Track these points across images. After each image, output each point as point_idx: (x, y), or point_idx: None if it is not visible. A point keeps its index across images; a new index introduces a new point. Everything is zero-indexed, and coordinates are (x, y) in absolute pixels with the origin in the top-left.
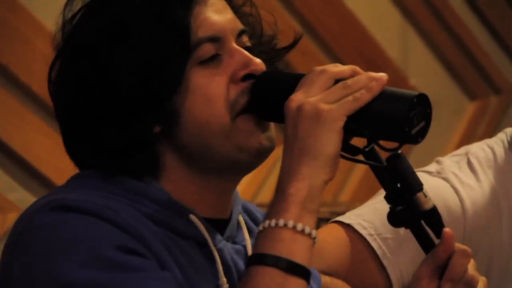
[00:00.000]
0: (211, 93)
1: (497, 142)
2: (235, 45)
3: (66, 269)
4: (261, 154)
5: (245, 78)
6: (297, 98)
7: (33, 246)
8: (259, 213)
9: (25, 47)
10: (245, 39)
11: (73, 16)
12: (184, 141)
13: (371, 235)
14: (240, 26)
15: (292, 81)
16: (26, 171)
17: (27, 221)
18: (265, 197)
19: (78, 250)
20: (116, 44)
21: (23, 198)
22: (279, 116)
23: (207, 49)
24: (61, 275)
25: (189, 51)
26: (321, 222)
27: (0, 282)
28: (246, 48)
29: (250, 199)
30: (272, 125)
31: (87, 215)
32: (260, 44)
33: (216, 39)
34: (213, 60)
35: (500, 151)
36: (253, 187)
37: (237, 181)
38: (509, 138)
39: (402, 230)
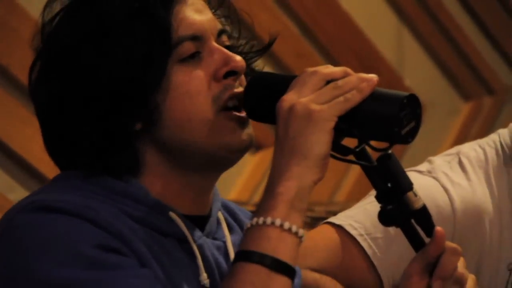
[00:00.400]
0: (192, 89)
1: (489, 143)
2: (215, 44)
3: (45, 268)
4: (241, 150)
5: (226, 75)
6: (289, 98)
7: (13, 246)
8: (239, 210)
9: (24, 49)
10: (224, 38)
11: (53, 18)
12: (165, 138)
13: (361, 235)
14: (219, 26)
15: (284, 82)
16: (25, 171)
17: (9, 222)
18: None
19: (57, 250)
20: (97, 43)
21: (22, 197)
22: (271, 116)
23: (188, 47)
24: (41, 273)
25: (169, 49)
26: (317, 221)
27: None
28: (226, 47)
29: (246, 200)
30: (251, 122)
31: (68, 215)
32: (238, 45)
33: (196, 38)
34: (193, 57)
35: (491, 152)
36: (250, 188)
37: (216, 177)
38: (501, 140)
39: (392, 230)
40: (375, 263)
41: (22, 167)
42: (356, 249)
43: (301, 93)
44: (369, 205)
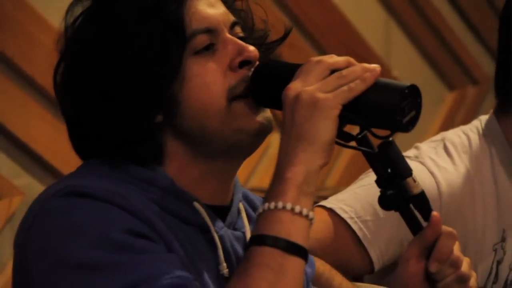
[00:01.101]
0: (207, 79)
1: (472, 129)
2: (228, 35)
3: (77, 250)
4: (260, 134)
5: (241, 65)
6: (295, 86)
7: (47, 229)
8: (258, 200)
9: (28, 41)
10: (237, 30)
11: (75, 21)
12: (185, 128)
13: (351, 218)
14: (232, 18)
15: (290, 71)
16: (30, 158)
17: (42, 206)
18: (257, 182)
19: (89, 233)
20: (115, 41)
21: (27, 183)
22: (277, 103)
23: (202, 40)
24: (74, 255)
25: (184, 42)
26: None
27: (15, 261)
28: (239, 38)
29: (242, 184)
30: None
31: (98, 200)
32: (252, 37)
33: (210, 31)
34: (207, 49)
35: (474, 137)
36: (246, 172)
37: (238, 165)
38: (483, 125)
39: (381, 213)
40: (365, 244)
41: (27, 155)
42: (346, 232)
43: (306, 82)
44: (359, 189)
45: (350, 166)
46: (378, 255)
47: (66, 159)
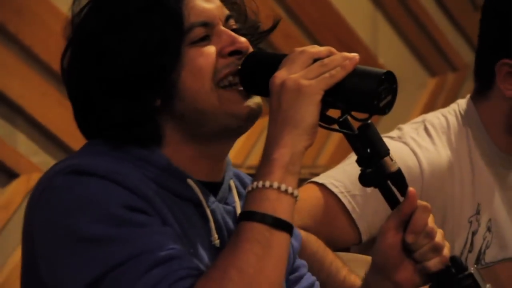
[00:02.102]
0: (200, 65)
1: (450, 111)
2: (222, 27)
3: (81, 224)
4: (251, 118)
5: (232, 53)
6: (281, 75)
7: (53, 204)
8: (249, 179)
9: (44, 30)
10: (231, 22)
11: (81, 10)
12: (181, 111)
13: (341, 192)
14: (226, 12)
15: (276, 61)
16: (47, 138)
17: (48, 183)
18: (254, 161)
19: (91, 209)
20: (119, 32)
21: (44, 160)
22: (265, 90)
23: (199, 32)
24: (77, 229)
25: (182, 35)
26: (302, 182)
27: (23, 235)
28: (233, 30)
29: (241, 163)
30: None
31: (99, 178)
32: (245, 28)
33: (206, 24)
34: (203, 40)
35: (452, 119)
36: (244, 152)
37: (230, 145)
38: (460, 109)
39: (368, 188)
40: (354, 217)
41: (43, 134)
42: (337, 205)
43: (291, 70)
44: (348, 166)
45: (340, 145)
46: (365, 227)
47: (79, 139)
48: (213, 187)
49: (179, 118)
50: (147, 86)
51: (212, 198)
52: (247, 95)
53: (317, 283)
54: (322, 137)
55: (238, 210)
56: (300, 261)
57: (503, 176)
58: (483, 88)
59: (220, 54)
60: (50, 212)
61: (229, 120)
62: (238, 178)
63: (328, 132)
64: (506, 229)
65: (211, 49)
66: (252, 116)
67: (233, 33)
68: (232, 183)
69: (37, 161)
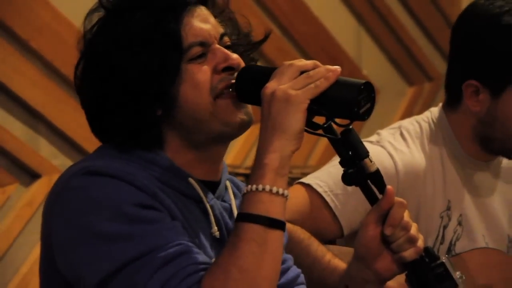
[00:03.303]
0: (198, 80)
1: (424, 118)
2: (217, 45)
3: (96, 222)
4: (242, 127)
5: (225, 69)
6: (271, 85)
7: (70, 204)
8: (242, 184)
9: (63, 47)
10: (225, 39)
11: (92, 27)
12: (180, 120)
13: (325, 192)
14: (221, 30)
15: (267, 73)
16: (66, 142)
17: (65, 183)
18: (252, 162)
19: (105, 207)
20: (124, 51)
21: (63, 163)
22: (257, 100)
23: (196, 51)
24: (92, 227)
25: (181, 53)
26: (294, 181)
27: (42, 231)
28: (226, 47)
29: (239, 164)
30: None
31: (111, 178)
32: (238, 40)
33: (203, 44)
34: (200, 57)
35: (425, 126)
36: (242, 155)
37: (224, 149)
38: (433, 116)
39: (349, 187)
40: (336, 213)
41: (63, 139)
42: (321, 203)
43: (280, 81)
44: (332, 168)
45: (328, 148)
46: (346, 222)
47: (94, 142)
48: (211, 186)
49: (179, 126)
50: (150, 98)
51: (211, 195)
52: (240, 106)
53: (302, 276)
54: (312, 141)
55: (234, 207)
56: (286, 255)
57: (471, 177)
58: (452, 101)
59: (214, 70)
60: (67, 211)
61: (224, 128)
62: (232, 181)
63: (318, 137)
64: (475, 223)
65: (206, 66)
66: (244, 125)
67: (226, 51)
68: (228, 183)
69: (57, 163)
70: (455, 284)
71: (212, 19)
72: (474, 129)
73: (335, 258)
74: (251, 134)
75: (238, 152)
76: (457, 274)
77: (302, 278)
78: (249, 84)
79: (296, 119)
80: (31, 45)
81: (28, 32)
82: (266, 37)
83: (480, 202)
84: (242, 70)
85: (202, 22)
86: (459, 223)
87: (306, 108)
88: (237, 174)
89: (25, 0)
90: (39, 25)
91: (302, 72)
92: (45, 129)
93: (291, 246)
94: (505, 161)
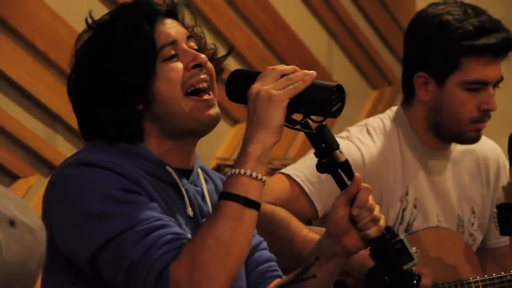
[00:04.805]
0: (171, 77)
1: (386, 116)
2: (185, 47)
3: (87, 204)
4: (210, 124)
5: (194, 67)
6: (256, 86)
7: (65, 189)
8: (210, 171)
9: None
10: (192, 42)
11: (81, 46)
12: (158, 113)
13: (303, 180)
14: (187, 32)
15: (253, 76)
16: (80, 139)
17: (61, 173)
18: None
19: (95, 192)
20: (109, 56)
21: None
22: (244, 99)
23: (168, 51)
24: (85, 208)
25: (155, 53)
26: (275, 171)
27: (43, 214)
28: (195, 50)
29: (228, 157)
30: (217, 104)
31: (100, 168)
32: (205, 53)
33: (172, 42)
34: (172, 58)
35: (388, 123)
36: (230, 150)
37: (195, 142)
38: (393, 114)
39: (323, 176)
40: (312, 199)
41: (77, 137)
42: (299, 190)
43: (264, 83)
44: (308, 161)
45: (305, 143)
46: (321, 206)
47: None
48: (185, 173)
49: (156, 119)
50: (131, 94)
51: (185, 181)
52: (210, 105)
53: (264, 243)
54: (291, 134)
55: (205, 190)
56: None
57: (427, 165)
58: (408, 97)
59: (186, 68)
60: (63, 196)
61: (195, 124)
62: (202, 169)
63: (296, 132)
64: (430, 205)
65: (179, 65)
66: (212, 122)
67: (194, 52)
68: (199, 170)
69: None
70: (411, 258)
71: (179, 25)
72: (427, 118)
73: (311, 232)
74: (239, 131)
75: (227, 147)
76: (413, 249)
77: (264, 244)
78: (237, 85)
79: (277, 115)
80: (49, 57)
81: (46, 45)
82: (230, 52)
83: (434, 187)
84: (232, 74)
85: (171, 28)
86: (415, 206)
87: (286, 106)
88: (226, 166)
89: (43, 17)
90: (56, 39)
91: (283, 76)
92: (61, 128)
93: (274, 223)
94: (456, 149)
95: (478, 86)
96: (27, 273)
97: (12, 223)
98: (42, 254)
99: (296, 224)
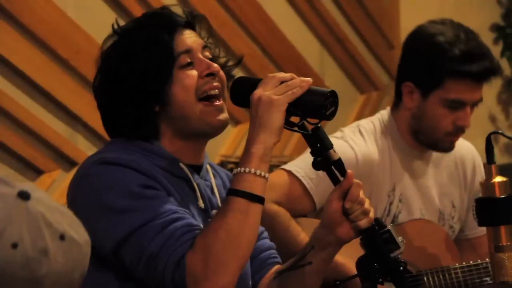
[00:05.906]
0: (186, 83)
1: (376, 119)
2: (200, 56)
3: (110, 200)
4: (219, 128)
5: (208, 75)
6: (258, 92)
7: (89, 187)
8: (218, 167)
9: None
10: (207, 52)
11: (107, 49)
12: (172, 115)
13: (302, 176)
14: (203, 43)
15: (255, 83)
16: (98, 138)
17: (85, 171)
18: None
19: (117, 188)
20: (129, 61)
21: None
22: (247, 103)
23: (184, 59)
24: (108, 203)
25: (173, 60)
26: (272, 167)
27: (68, 207)
28: (209, 59)
29: (231, 154)
30: (226, 109)
31: (121, 166)
32: (221, 62)
33: (188, 51)
34: (188, 65)
35: (378, 125)
36: (233, 148)
37: (205, 142)
38: (383, 117)
39: (321, 173)
40: (311, 193)
41: (96, 135)
42: (299, 185)
43: (265, 89)
44: (307, 158)
45: (300, 141)
46: (319, 200)
47: None
48: (196, 169)
49: (171, 121)
50: (149, 96)
51: (196, 176)
52: (220, 110)
53: (266, 232)
54: (287, 133)
55: (214, 185)
56: None
57: (411, 163)
58: (397, 101)
59: (200, 75)
60: (89, 192)
61: (205, 127)
62: (211, 165)
63: (292, 132)
64: (413, 200)
65: (194, 72)
66: (221, 126)
67: (208, 61)
68: (208, 166)
69: (91, 153)
70: (398, 246)
71: (196, 36)
72: (409, 123)
73: (306, 237)
74: (241, 131)
75: (230, 145)
76: (399, 239)
77: (265, 233)
78: (241, 91)
79: (277, 118)
80: (70, 63)
81: (67, 53)
82: (239, 61)
83: (417, 183)
84: (235, 81)
85: (188, 38)
86: (400, 200)
87: (285, 110)
88: (229, 163)
89: (65, 28)
90: (76, 48)
91: (282, 82)
92: (81, 128)
93: (274, 225)
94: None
95: (456, 105)
96: (70, 283)
97: (62, 237)
98: (85, 266)
99: (294, 227)
